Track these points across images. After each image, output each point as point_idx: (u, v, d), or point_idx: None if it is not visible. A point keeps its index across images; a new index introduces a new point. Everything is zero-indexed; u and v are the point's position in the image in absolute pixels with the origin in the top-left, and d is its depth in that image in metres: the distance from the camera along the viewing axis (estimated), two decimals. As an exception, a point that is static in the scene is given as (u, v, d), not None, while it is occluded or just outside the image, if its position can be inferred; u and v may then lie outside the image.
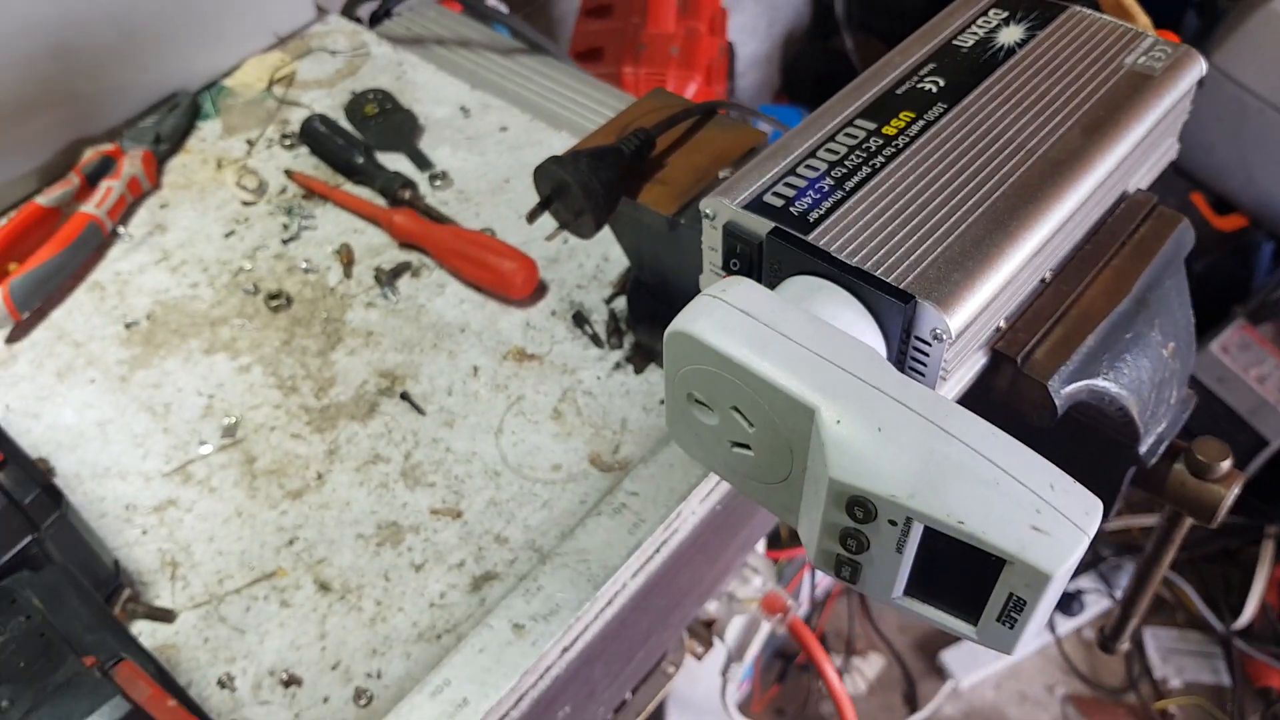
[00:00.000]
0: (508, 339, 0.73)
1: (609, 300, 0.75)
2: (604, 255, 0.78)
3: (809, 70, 2.37)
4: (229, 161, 0.86)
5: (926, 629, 1.80)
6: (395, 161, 0.86)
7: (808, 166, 0.48)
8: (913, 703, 1.73)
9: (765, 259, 0.46)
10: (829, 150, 0.49)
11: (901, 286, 0.42)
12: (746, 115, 0.75)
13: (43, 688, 0.47)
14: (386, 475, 0.66)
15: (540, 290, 0.76)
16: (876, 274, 0.43)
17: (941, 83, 0.51)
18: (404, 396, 0.70)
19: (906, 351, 0.44)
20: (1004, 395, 0.47)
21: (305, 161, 0.86)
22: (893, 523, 0.37)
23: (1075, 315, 0.47)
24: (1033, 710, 1.72)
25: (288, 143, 0.87)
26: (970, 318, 0.42)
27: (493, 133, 0.89)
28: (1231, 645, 1.71)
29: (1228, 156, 1.86)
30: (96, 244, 0.78)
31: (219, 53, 0.93)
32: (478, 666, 0.56)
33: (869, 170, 0.47)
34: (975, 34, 0.54)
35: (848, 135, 0.49)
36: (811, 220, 0.45)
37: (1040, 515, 0.35)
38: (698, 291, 0.43)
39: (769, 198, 0.46)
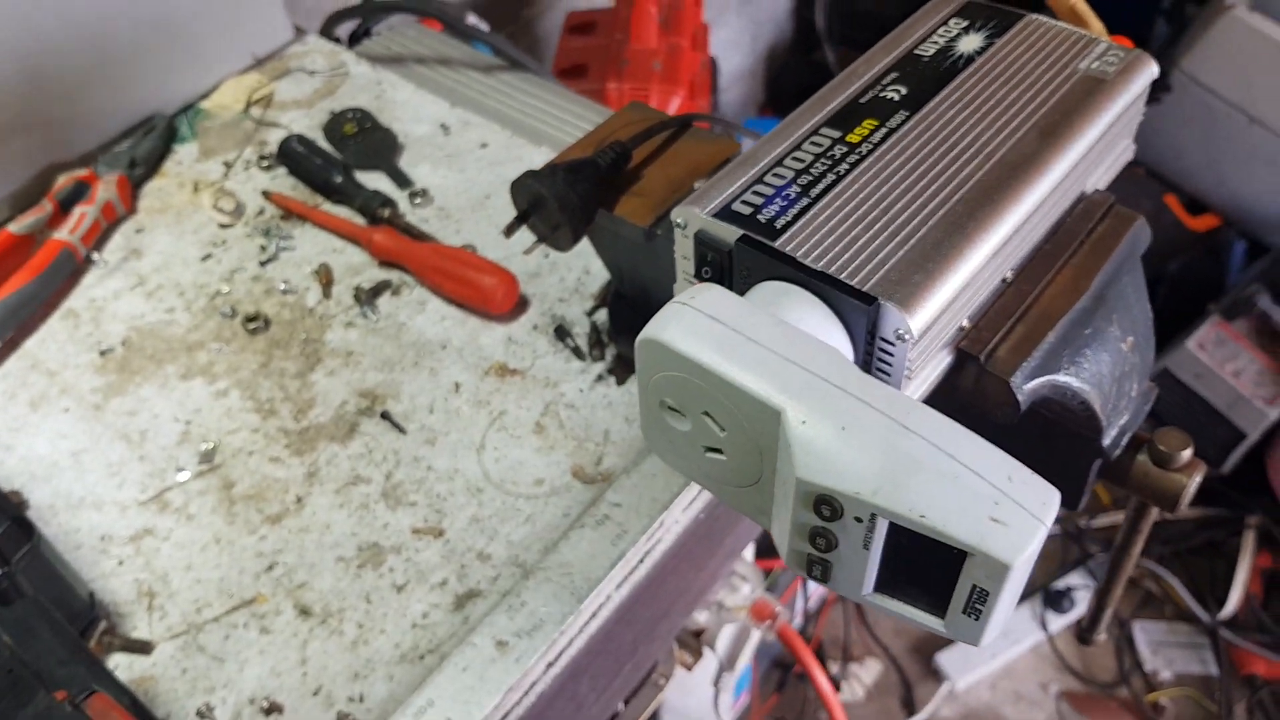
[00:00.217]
0: (489, 354, 0.74)
1: (590, 313, 0.76)
2: (585, 268, 0.79)
3: (792, 83, 2.39)
4: (206, 184, 0.87)
5: (921, 633, 1.80)
6: (375, 180, 0.87)
7: (775, 175, 0.49)
8: (910, 706, 1.73)
9: (735, 266, 0.47)
10: (795, 159, 0.49)
11: (865, 289, 0.43)
12: (723, 128, 0.76)
13: (12, 724, 0.47)
14: (367, 496, 0.66)
15: (522, 305, 0.77)
16: (840, 277, 0.44)
17: (903, 91, 0.52)
18: (384, 416, 0.70)
19: (872, 352, 0.45)
20: (969, 393, 0.48)
21: (283, 182, 0.87)
22: (858, 520, 0.38)
23: (1036, 313, 0.48)
24: (1028, 709, 1.73)
25: (265, 164, 0.88)
26: (932, 318, 0.43)
27: (473, 149, 0.89)
28: (1218, 635, 1.73)
29: (1198, 159, 1.89)
30: (70, 271, 0.78)
31: (195, 75, 0.93)
32: (461, 685, 0.56)
33: (834, 177, 0.48)
34: (936, 43, 0.55)
35: (813, 144, 0.50)
36: (778, 227, 0.46)
37: (998, 507, 0.36)
38: (675, 300, 0.43)
39: (738, 206, 0.47)
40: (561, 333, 0.75)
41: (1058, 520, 1.93)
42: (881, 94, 0.52)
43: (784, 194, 0.48)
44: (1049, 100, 0.51)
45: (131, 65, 0.88)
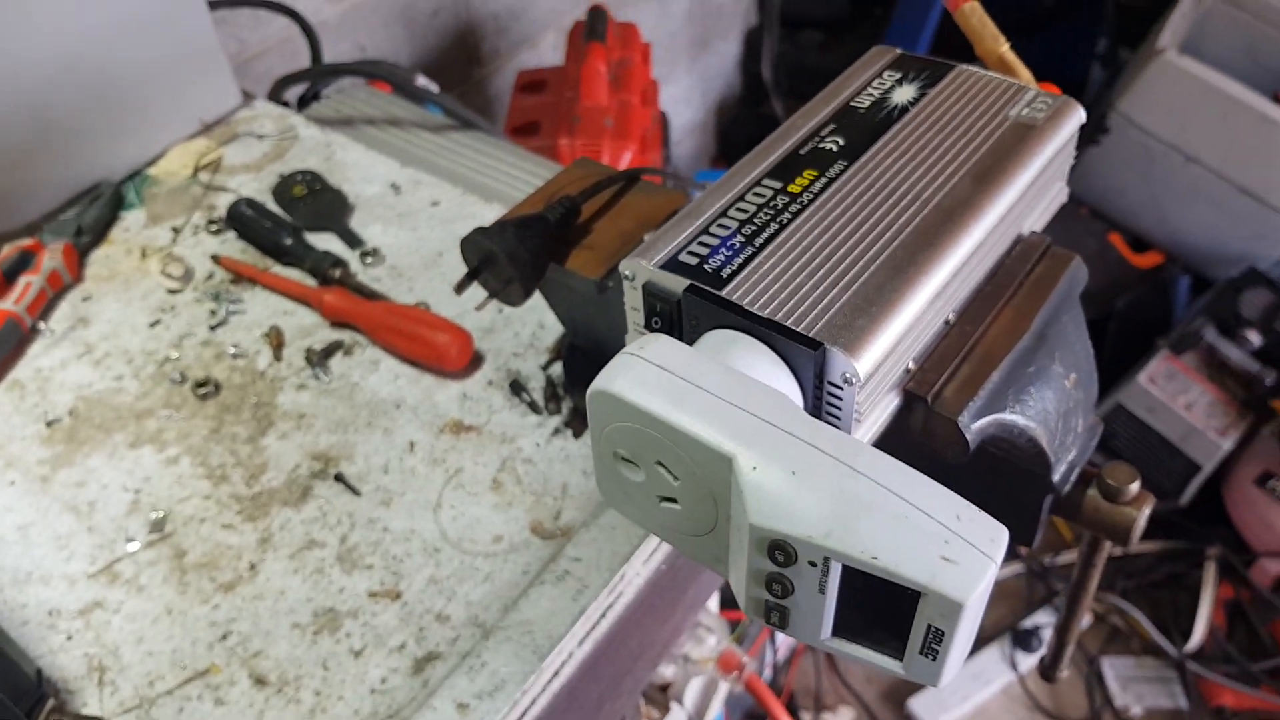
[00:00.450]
0: (444, 412, 0.74)
1: (545, 367, 0.76)
2: (539, 323, 0.79)
3: (743, 135, 2.44)
4: (154, 250, 0.86)
5: (893, 679, 1.80)
6: (326, 241, 0.87)
7: (720, 225, 0.49)
8: (883, 753, 1.72)
9: (684, 315, 0.48)
10: (739, 209, 0.50)
11: (811, 335, 0.44)
12: (671, 181, 0.77)
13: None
14: (322, 560, 0.65)
15: (476, 361, 0.77)
16: (787, 324, 0.44)
17: (841, 141, 0.54)
18: (338, 478, 0.70)
19: (821, 397, 0.45)
20: (919, 434, 0.48)
21: (233, 246, 0.87)
22: (813, 564, 0.38)
23: (980, 353, 0.49)
24: (1001, 751, 1.72)
25: (214, 228, 0.88)
26: (878, 361, 0.43)
27: (424, 208, 0.90)
28: (1185, 668, 1.74)
29: (1139, 198, 1.94)
30: (15, 341, 0.77)
31: (142, 142, 0.93)
32: (423, 747, 0.55)
33: (777, 226, 0.49)
34: (871, 95, 0.57)
35: (756, 194, 0.51)
36: (725, 276, 0.47)
37: (949, 545, 0.36)
38: (630, 353, 0.44)
39: (684, 257, 0.48)
40: (517, 387, 0.75)
41: (1021, 559, 1.94)
42: (820, 145, 0.54)
43: (729, 244, 0.48)
44: (982, 147, 0.52)
45: (76, 133, 0.87)
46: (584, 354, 0.73)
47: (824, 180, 0.51)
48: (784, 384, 0.44)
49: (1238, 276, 1.81)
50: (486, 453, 0.71)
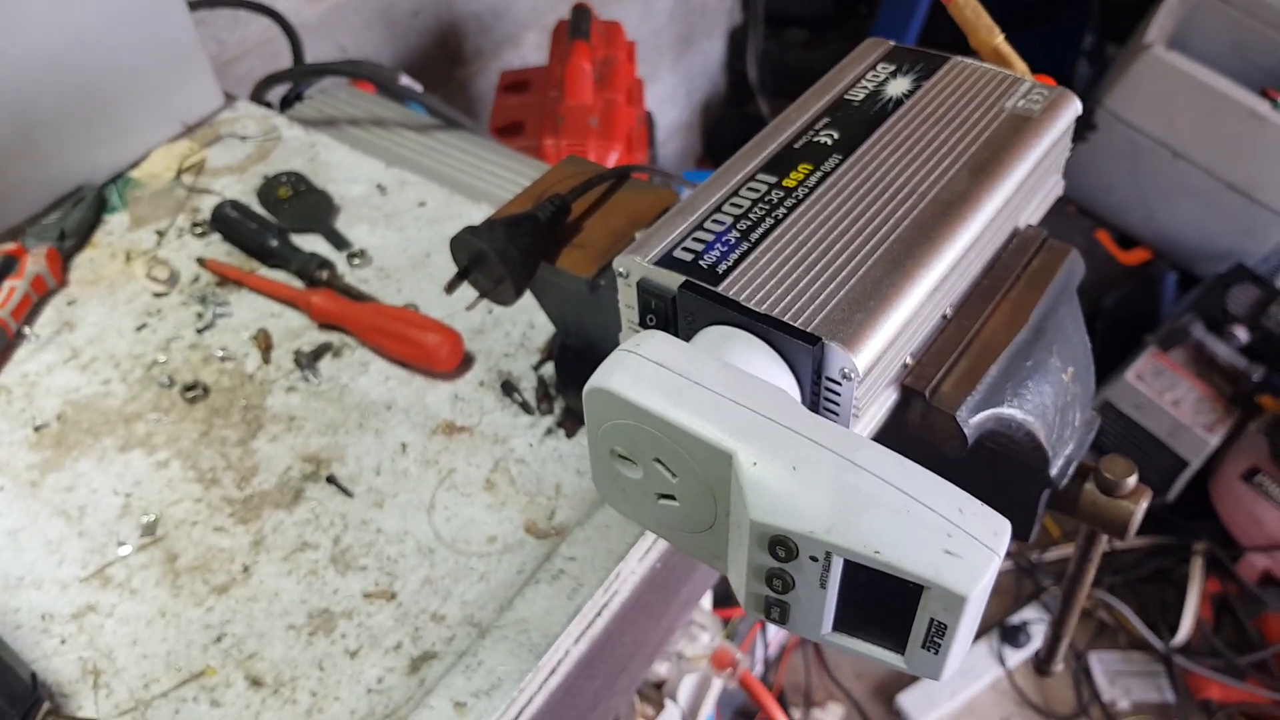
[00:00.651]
0: (436, 413, 0.73)
1: (537, 367, 0.76)
2: (529, 323, 0.79)
3: (728, 135, 2.44)
4: (138, 253, 0.85)
5: (882, 675, 1.80)
6: (312, 243, 0.86)
7: (714, 221, 0.49)
8: (874, 750, 1.72)
9: (679, 312, 0.47)
10: (734, 204, 0.50)
11: (808, 330, 0.43)
12: (661, 179, 0.77)
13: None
14: (316, 562, 0.65)
15: (467, 362, 0.76)
16: (784, 319, 0.44)
17: (836, 135, 0.53)
18: (330, 480, 0.69)
19: (819, 393, 0.45)
20: (917, 429, 0.48)
21: (218, 248, 0.86)
22: (814, 559, 0.37)
23: (977, 347, 0.49)
24: (990, 746, 1.73)
25: (199, 230, 0.87)
26: (876, 355, 0.43)
27: (411, 209, 0.89)
28: (1172, 662, 1.74)
29: (1127, 195, 1.95)
30: (0, 346, 0.76)
31: (124, 145, 0.92)
32: (420, 748, 0.55)
33: (772, 221, 0.49)
34: (865, 87, 0.56)
35: (750, 189, 0.51)
36: (720, 272, 0.46)
37: (951, 539, 0.36)
38: (621, 351, 0.43)
39: (679, 253, 0.48)
40: (508, 388, 0.74)
41: (1010, 555, 1.95)
42: (815, 139, 0.53)
43: (724, 239, 0.48)
44: (978, 139, 0.52)
45: (58, 136, 0.86)
46: (575, 354, 0.73)
47: (819, 174, 0.51)
48: (781, 380, 0.44)
49: (1225, 273, 1.81)
50: (479, 453, 0.70)
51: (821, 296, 0.45)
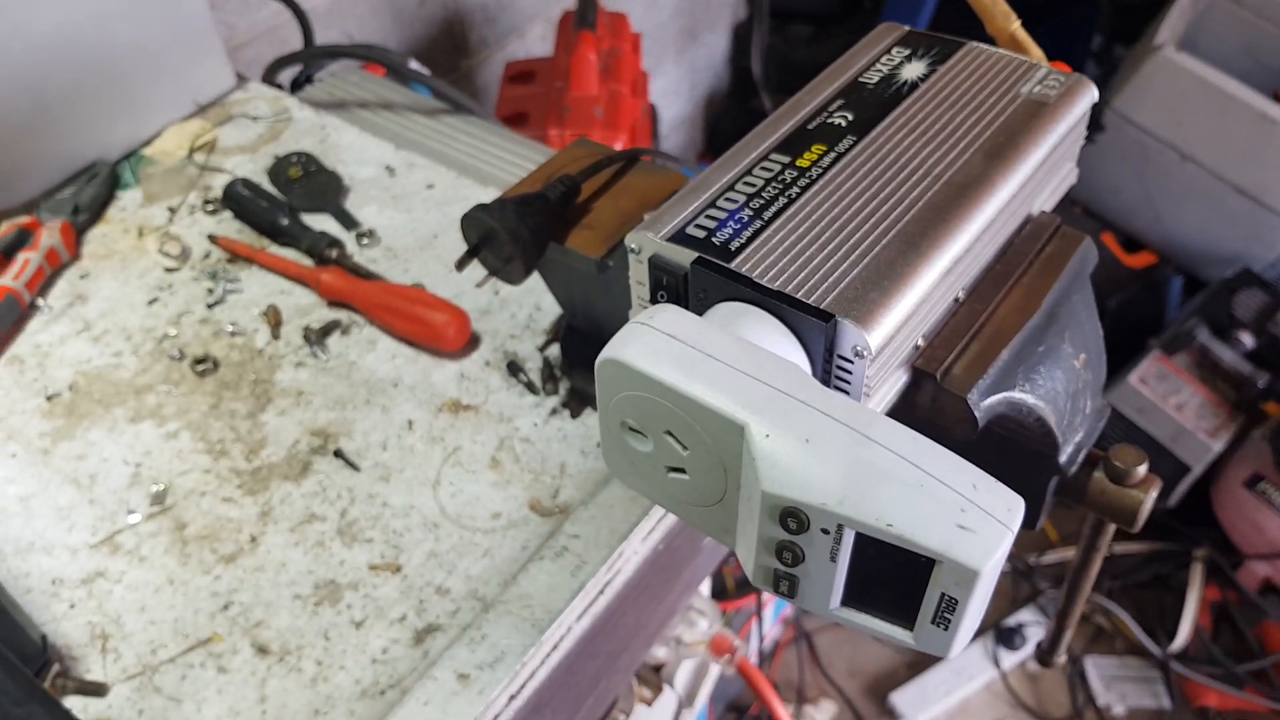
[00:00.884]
0: (442, 391, 0.73)
1: (543, 348, 0.76)
2: (536, 304, 0.79)
3: (730, 130, 2.43)
4: (150, 229, 0.86)
5: (875, 673, 1.80)
6: (321, 222, 0.86)
7: (727, 199, 0.49)
8: (867, 747, 1.73)
9: (691, 289, 0.47)
10: (747, 183, 0.50)
11: (821, 307, 0.43)
12: (669, 162, 0.77)
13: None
14: (322, 534, 0.65)
15: (473, 342, 0.76)
16: (797, 296, 0.44)
17: (850, 117, 0.54)
18: (338, 454, 0.69)
19: (830, 371, 0.45)
20: (927, 412, 0.48)
21: (229, 226, 0.86)
22: (825, 531, 0.38)
23: (989, 331, 0.49)
24: (983, 746, 1.73)
25: (210, 208, 0.87)
26: (889, 334, 0.43)
27: (419, 190, 0.89)
28: (1169, 669, 1.74)
29: (1134, 197, 1.94)
30: (15, 317, 0.77)
31: (138, 122, 0.93)
32: (424, 719, 0.55)
33: (785, 200, 0.49)
34: (880, 71, 0.57)
35: (764, 169, 0.51)
36: (733, 249, 0.46)
37: (965, 514, 0.36)
38: (630, 331, 0.43)
39: (691, 230, 0.48)
40: (514, 368, 0.74)
41: (1008, 558, 1.95)
42: (829, 120, 0.54)
43: (737, 217, 0.48)
44: (993, 123, 0.52)
45: (73, 113, 0.87)
46: (582, 335, 0.73)
47: (833, 155, 0.51)
48: (794, 357, 0.44)
49: (1232, 277, 1.81)
50: (484, 431, 0.71)
51: (835, 275, 0.45)
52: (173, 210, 0.88)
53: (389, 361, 0.75)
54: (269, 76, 1.04)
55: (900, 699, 1.74)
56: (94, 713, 0.57)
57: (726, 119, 2.46)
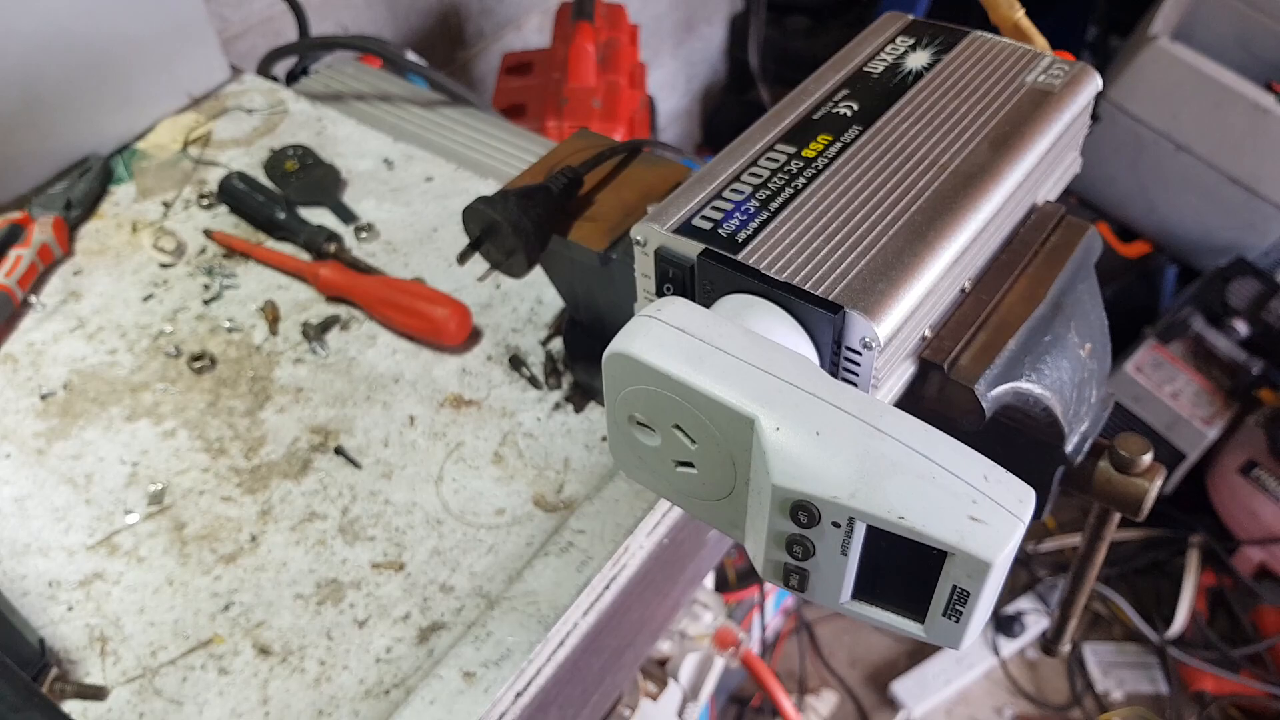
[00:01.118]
0: (443, 386, 0.73)
1: (545, 342, 0.75)
2: (537, 298, 0.78)
3: (728, 123, 2.43)
4: (145, 224, 0.85)
5: (877, 662, 1.80)
6: (319, 216, 0.85)
7: (733, 190, 0.49)
8: (868, 737, 1.73)
9: (697, 281, 0.47)
10: (752, 174, 0.50)
11: (829, 298, 0.43)
12: (671, 153, 0.76)
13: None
14: (324, 532, 0.65)
15: (475, 336, 0.76)
16: (805, 287, 0.44)
17: (855, 107, 0.53)
18: (338, 451, 0.69)
19: (838, 362, 0.45)
20: (934, 402, 0.48)
21: (225, 220, 0.85)
22: (836, 525, 0.37)
23: (996, 321, 0.48)
24: (984, 734, 1.73)
25: (206, 202, 0.87)
26: (897, 325, 0.43)
27: (418, 183, 0.89)
28: (1166, 654, 1.75)
29: (1128, 187, 1.95)
30: (7, 314, 0.76)
31: (131, 116, 0.92)
32: (429, 719, 0.55)
33: (792, 191, 0.48)
34: (884, 60, 0.56)
35: (769, 159, 0.51)
36: (740, 240, 0.46)
37: (977, 505, 0.36)
38: (635, 325, 0.43)
39: (698, 221, 0.47)
40: (516, 362, 0.74)
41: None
42: (834, 110, 0.53)
43: (743, 208, 0.48)
44: (999, 112, 0.52)
45: (64, 107, 0.86)
46: (585, 328, 0.72)
47: (839, 145, 0.51)
48: (801, 349, 0.44)
49: (1226, 266, 1.81)
50: (487, 427, 0.70)
51: (842, 266, 0.45)
52: (167, 205, 0.87)
53: (389, 357, 0.75)
54: (264, 68, 1.03)
55: (901, 688, 1.74)
56: (94, 717, 0.56)
57: (723, 111, 2.46)
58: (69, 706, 0.57)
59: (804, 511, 0.38)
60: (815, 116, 0.53)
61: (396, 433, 0.70)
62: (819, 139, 0.51)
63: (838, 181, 0.49)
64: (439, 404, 0.72)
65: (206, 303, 0.79)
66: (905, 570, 0.38)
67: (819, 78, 0.56)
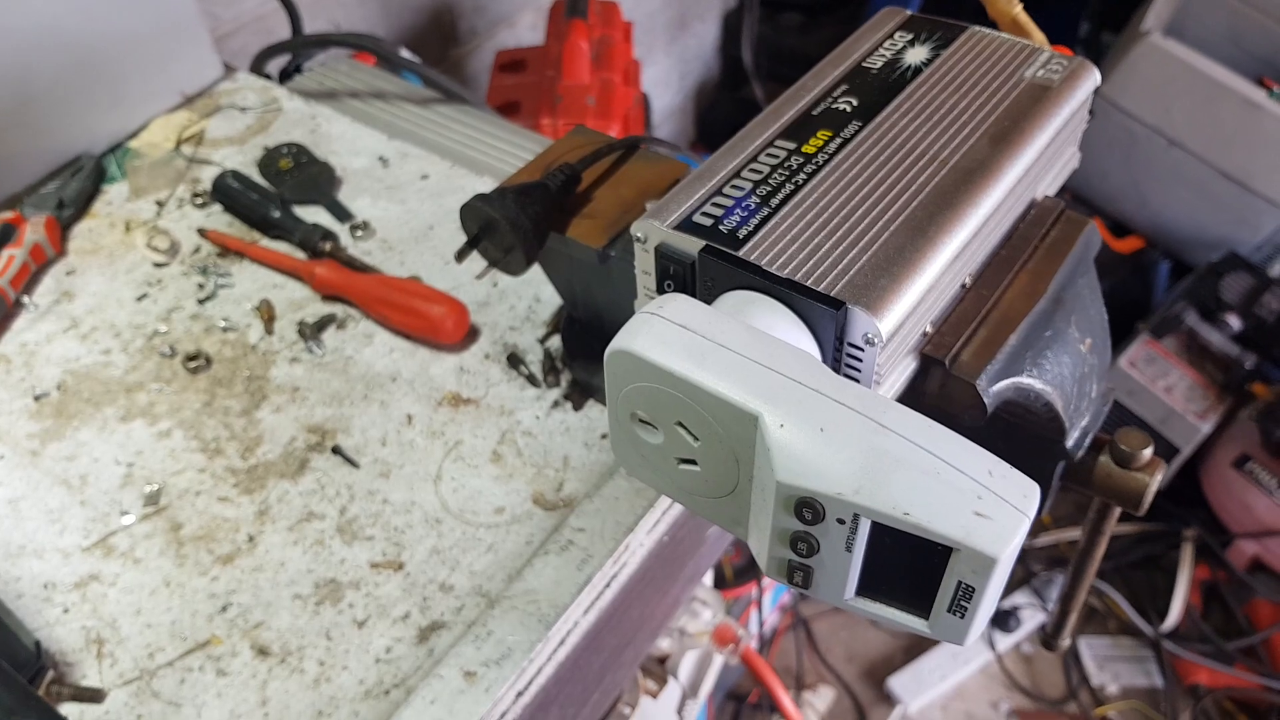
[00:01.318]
0: (441, 385, 0.72)
1: (543, 340, 0.75)
2: (535, 296, 0.78)
3: (722, 120, 2.43)
4: (138, 223, 0.84)
5: (873, 658, 1.81)
6: (314, 214, 0.85)
7: (733, 186, 0.49)
8: (865, 732, 1.73)
9: (698, 277, 0.47)
10: (753, 170, 0.50)
11: (832, 294, 0.43)
12: (667, 149, 0.76)
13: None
14: (322, 532, 0.64)
15: (472, 334, 0.76)
16: (807, 284, 0.43)
17: (855, 102, 0.53)
18: (336, 450, 0.68)
19: (840, 359, 0.44)
20: (935, 398, 0.48)
21: (219, 219, 0.85)
22: (841, 521, 0.37)
23: (997, 317, 0.48)
24: (980, 729, 1.74)
25: (199, 201, 0.86)
26: (899, 321, 0.43)
27: (413, 181, 0.88)
28: (1161, 647, 1.76)
29: (1121, 182, 1.95)
30: (0, 315, 0.75)
31: (123, 114, 0.91)
32: (430, 718, 0.54)
33: (792, 187, 0.48)
34: (883, 55, 0.56)
35: (769, 155, 0.50)
36: (741, 237, 0.46)
37: (981, 501, 0.35)
38: (633, 321, 0.43)
39: (698, 218, 0.47)
40: (514, 360, 0.74)
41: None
42: (833, 106, 0.53)
43: (744, 205, 0.48)
44: (998, 107, 0.52)
45: (55, 106, 0.85)
46: (583, 326, 0.72)
47: (839, 141, 0.50)
48: (803, 345, 0.44)
49: (1218, 261, 1.82)
50: (485, 425, 0.70)
51: (844, 262, 0.45)
52: (160, 204, 0.87)
53: (386, 355, 0.74)
54: (257, 66, 1.02)
55: (897, 683, 1.75)
56: (91, 719, 0.56)
57: (717, 108, 2.45)
58: (66, 709, 0.56)
59: (808, 508, 0.38)
60: (815, 112, 0.53)
61: (394, 432, 0.69)
62: (819, 135, 0.51)
63: (838, 177, 0.48)
64: (437, 403, 0.71)
65: (201, 302, 0.78)
66: (910, 566, 0.38)
67: (818, 73, 0.55)
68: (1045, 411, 0.49)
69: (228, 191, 0.85)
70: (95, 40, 0.85)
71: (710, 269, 0.46)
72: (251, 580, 0.62)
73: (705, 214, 0.47)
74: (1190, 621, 1.77)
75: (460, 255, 0.62)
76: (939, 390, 0.48)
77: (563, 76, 1.43)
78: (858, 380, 0.45)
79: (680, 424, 0.41)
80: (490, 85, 1.52)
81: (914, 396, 0.48)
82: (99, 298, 0.79)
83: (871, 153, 0.50)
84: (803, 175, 0.49)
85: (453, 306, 0.74)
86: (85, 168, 0.87)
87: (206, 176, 0.88)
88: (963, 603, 0.38)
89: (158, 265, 0.81)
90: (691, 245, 0.46)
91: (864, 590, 0.40)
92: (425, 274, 0.80)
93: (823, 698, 1.75)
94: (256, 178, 0.87)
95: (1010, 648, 1.82)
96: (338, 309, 0.78)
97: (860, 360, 0.44)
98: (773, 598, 1.61)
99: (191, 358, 0.74)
